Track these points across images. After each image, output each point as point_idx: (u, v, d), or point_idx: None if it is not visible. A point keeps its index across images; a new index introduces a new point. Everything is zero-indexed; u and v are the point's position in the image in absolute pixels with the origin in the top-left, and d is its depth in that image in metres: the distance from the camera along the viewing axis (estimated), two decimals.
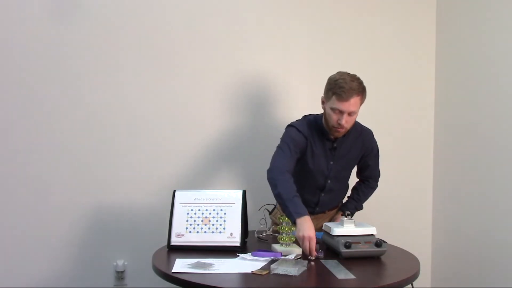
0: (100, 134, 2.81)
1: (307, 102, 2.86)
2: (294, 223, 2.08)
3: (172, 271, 1.82)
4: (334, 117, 2.26)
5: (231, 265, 1.90)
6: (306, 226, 2.04)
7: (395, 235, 2.42)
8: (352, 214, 2.23)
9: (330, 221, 2.54)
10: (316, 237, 2.29)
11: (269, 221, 2.56)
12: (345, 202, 2.59)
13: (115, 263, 2.83)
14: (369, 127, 3.09)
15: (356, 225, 2.11)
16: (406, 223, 3.21)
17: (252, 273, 1.80)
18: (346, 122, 2.25)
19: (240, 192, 2.26)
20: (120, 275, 2.83)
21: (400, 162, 3.23)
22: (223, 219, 2.19)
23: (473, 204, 2.90)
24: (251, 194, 2.48)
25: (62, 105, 2.77)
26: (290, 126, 2.42)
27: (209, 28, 2.94)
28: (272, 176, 2.23)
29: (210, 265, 1.88)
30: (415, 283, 1.89)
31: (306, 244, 2.01)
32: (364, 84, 2.30)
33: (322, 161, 2.40)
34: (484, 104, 2.83)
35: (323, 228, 2.22)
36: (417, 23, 3.25)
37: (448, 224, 3.14)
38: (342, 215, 2.24)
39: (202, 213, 2.21)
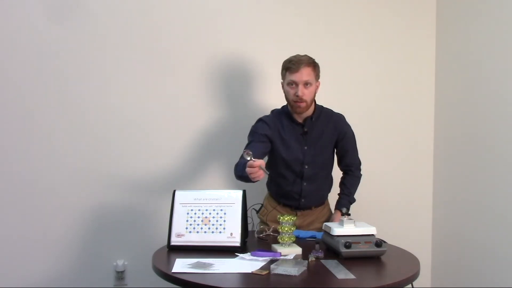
0: (100, 134, 2.82)
1: None
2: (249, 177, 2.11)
3: (172, 271, 1.82)
4: (291, 91, 2.40)
5: (231, 265, 1.90)
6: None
7: (395, 235, 2.42)
8: (348, 209, 2.30)
9: (327, 220, 2.53)
10: (316, 237, 2.30)
11: (257, 220, 2.59)
12: (338, 199, 2.59)
13: (115, 263, 2.83)
14: (370, 127, 3.08)
15: (356, 225, 2.11)
16: (406, 223, 3.20)
17: (252, 273, 1.80)
18: (304, 94, 2.37)
19: (240, 192, 2.25)
20: (120, 275, 2.83)
21: (400, 162, 3.23)
22: (223, 219, 2.18)
23: (473, 204, 2.90)
24: (251, 194, 2.47)
25: (62, 105, 2.77)
26: (257, 120, 2.54)
27: (210, 30, 2.95)
28: (235, 173, 2.35)
29: (210, 265, 1.88)
30: (415, 283, 1.89)
31: (249, 170, 2.06)
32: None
33: (296, 147, 2.47)
34: (484, 103, 2.83)
35: (323, 228, 2.22)
36: (417, 23, 3.25)
37: (448, 224, 3.14)
38: (342, 215, 2.24)
39: (202, 213, 2.20)
